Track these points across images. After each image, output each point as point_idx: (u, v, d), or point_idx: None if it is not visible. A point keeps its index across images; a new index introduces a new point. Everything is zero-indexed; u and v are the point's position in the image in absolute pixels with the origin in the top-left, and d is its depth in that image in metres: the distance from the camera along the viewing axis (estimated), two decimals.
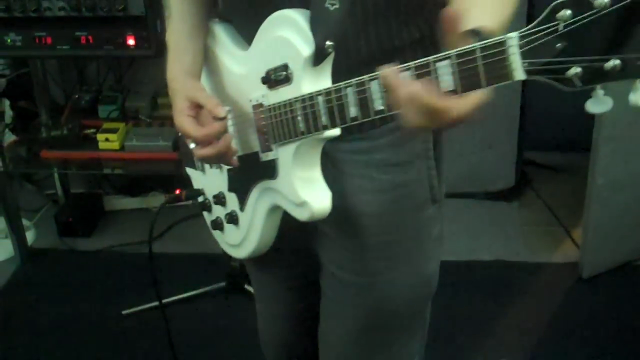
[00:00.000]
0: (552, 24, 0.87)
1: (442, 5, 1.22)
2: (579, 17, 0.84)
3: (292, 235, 1.41)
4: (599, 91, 0.87)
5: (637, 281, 3.02)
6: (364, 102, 1.10)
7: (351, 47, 1.24)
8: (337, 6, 1.16)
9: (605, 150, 2.74)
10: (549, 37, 0.87)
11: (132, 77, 3.40)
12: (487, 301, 2.93)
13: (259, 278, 1.69)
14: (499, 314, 2.84)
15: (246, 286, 2.90)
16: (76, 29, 2.64)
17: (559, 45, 0.87)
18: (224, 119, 1.31)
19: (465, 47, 0.95)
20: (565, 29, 0.86)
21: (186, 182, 3.69)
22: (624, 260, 3.08)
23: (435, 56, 0.99)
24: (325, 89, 1.16)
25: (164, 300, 2.86)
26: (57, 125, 3.19)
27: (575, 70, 0.86)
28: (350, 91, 1.11)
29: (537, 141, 3.72)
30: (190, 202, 3.62)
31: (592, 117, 2.66)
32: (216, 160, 1.38)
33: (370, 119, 1.10)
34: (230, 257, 2.85)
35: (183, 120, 1.34)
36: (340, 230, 1.39)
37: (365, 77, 1.09)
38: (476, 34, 0.97)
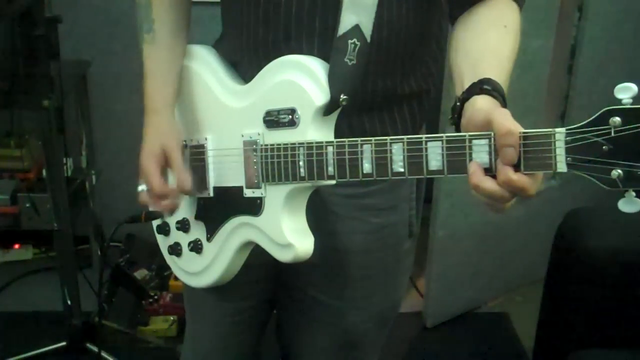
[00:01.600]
0: (603, 127, 0.94)
1: (436, 61, 1.39)
2: (631, 127, 0.92)
3: (256, 265, 1.41)
4: (632, 193, 0.95)
5: (477, 329, 3.13)
6: (381, 161, 1.13)
7: (358, 94, 1.28)
8: (354, 62, 1.22)
9: (445, 204, 2.85)
10: (598, 138, 0.95)
11: None
12: None
13: (203, 310, 1.63)
14: None
15: (88, 345, 2.79)
16: None
17: (605, 147, 0.94)
18: (187, 192, 1.37)
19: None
20: (615, 135, 0.93)
21: (25, 237, 3.51)
22: (465, 309, 3.18)
23: (473, 134, 1.04)
24: (337, 141, 1.19)
25: None
26: None
27: (618, 172, 0.94)
28: (367, 148, 1.14)
29: None
30: (30, 257, 3.49)
31: None
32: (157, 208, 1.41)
33: (386, 178, 1.13)
34: (71, 316, 2.76)
35: (150, 165, 1.37)
36: (326, 262, 1.44)
37: (387, 138, 1.12)
38: (484, 83, 1.09)
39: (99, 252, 3.38)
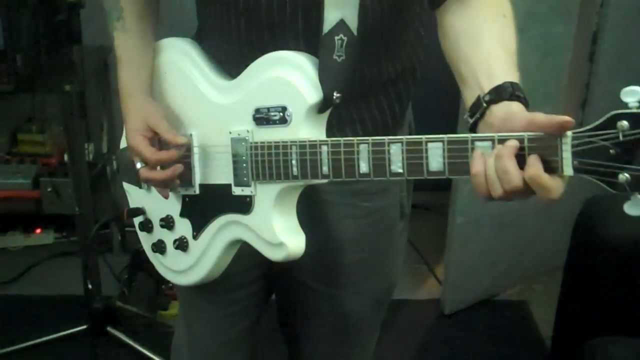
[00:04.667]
0: (611, 131, 0.92)
1: (420, 38, 1.38)
2: (639, 131, 0.91)
3: (248, 255, 1.38)
4: (638, 196, 0.93)
5: (495, 316, 3.12)
6: (379, 162, 1.12)
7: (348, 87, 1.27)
8: (343, 57, 1.20)
9: (464, 190, 2.84)
10: (605, 142, 0.93)
11: None
12: None
13: (197, 305, 1.60)
14: None
15: (109, 328, 2.81)
16: None
17: (612, 151, 0.93)
18: (182, 147, 1.34)
19: (513, 134, 1.01)
20: (624, 139, 0.92)
21: (47, 221, 3.53)
22: (483, 297, 3.18)
23: (475, 135, 1.04)
24: (332, 140, 1.16)
25: (22, 345, 2.76)
26: None
27: (625, 176, 0.92)
28: (363, 148, 1.13)
29: None
30: (52, 241, 3.51)
31: None
32: (160, 185, 1.39)
33: (384, 178, 1.12)
34: (92, 299, 2.78)
35: (138, 140, 1.36)
36: (319, 250, 1.43)
37: (385, 138, 1.11)
38: (515, 89, 1.08)
39: (119, 237, 3.41)
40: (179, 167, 1.35)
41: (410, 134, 1.52)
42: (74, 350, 2.81)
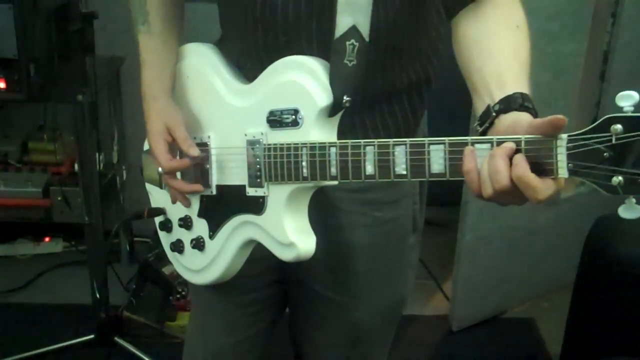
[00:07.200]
0: (605, 134, 0.95)
1: (436, 49, 1.40)
2: (632, 135, 0.93)
3: (261, 259, 1.41)
4: (632, 199, 0.95)
5: (504, 334, 3.11)
6: (384, 163, 1.14)
7: (359, 93, 1.29)
8: (354, 62, 1.23)
9: (473, 206, 2.84)
10: (599, 145, 0.95)
11: (1, 120, 3.29)
12: None
13: (211, 303, 1.63)
14: None
15: (116, 338, 2.81)
16: None
17: (606, 154, 0.95)
18: (195, 158, 1.39)
19: (511, 137, 1.02)
20: (617, 142, 0.94)
21: (56, 230, 3.54)
22: (491, 314, 3.17)
23: (475, 137, 1.05)
24: (340, 142, 1.19)
25: (29, 353, 2.76)
26: None
27: (618, 179, 0.94)
28: (370, 150, 1.15)
29: None
30: (60, 250, 3.51)
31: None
32: (178, 191, 1.44)
33: (389, 180, 1.14)
34: (99, 309, 2.78)
35: (158, 143, 1.41)
36: (330, 257, 1.45)
37: (390, 140, 1.13)
38: (525, 100, 1.09)
39: (128, 247, 3.42)
40: (198, 187, 1.41)
41: None
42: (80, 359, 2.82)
